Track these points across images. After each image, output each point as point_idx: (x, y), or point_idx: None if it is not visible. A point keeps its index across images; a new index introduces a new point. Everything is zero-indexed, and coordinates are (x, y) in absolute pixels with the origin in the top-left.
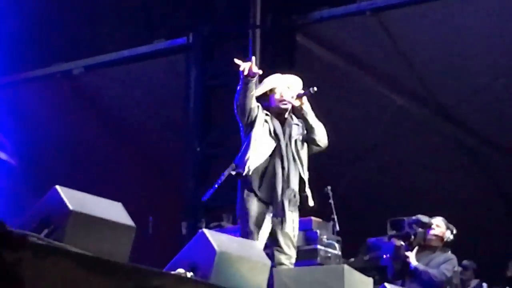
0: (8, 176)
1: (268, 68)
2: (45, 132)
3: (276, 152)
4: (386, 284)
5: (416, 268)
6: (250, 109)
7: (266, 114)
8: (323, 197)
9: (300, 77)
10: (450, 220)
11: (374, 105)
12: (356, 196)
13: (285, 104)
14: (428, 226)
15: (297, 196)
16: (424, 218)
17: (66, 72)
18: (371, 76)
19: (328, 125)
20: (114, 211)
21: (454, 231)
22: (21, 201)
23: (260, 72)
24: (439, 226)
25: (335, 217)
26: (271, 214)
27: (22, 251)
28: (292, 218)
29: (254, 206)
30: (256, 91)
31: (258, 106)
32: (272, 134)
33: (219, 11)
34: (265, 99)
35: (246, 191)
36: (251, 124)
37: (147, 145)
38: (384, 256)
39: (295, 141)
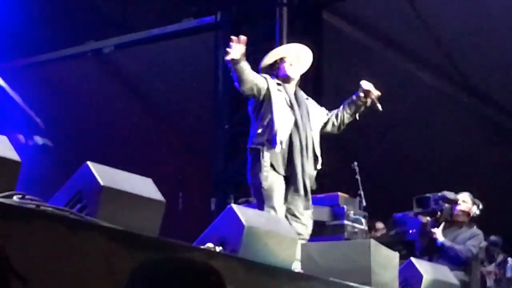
0: (43, 157)
1: None
2: (76, 109)
3: (294, 124)
4: (412, 258)
5: (442, 244)
6: (257, 87)
7: (278, 84)
8: (350, 172)
9: (327, 55)
10: (476, 195)
11: (401, 81)
12: (382, 171)
13: (294, 72)
14: (454, 202)
15: (319, 167)
16: (450, 194)
17: (96, 51)
18: (397, 52)
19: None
20: (144, 186)
21: (481, 206)
22: (51, 177)
23: (243, 48)
24: (466, 202)
25: (362, 192)
26: (291, 189)
27: (57, 225)
28: (308, 189)
29: (273, 180)
30: (265, 61)
31: (266, 79)
32: (289, 104)
33: None
34: (274, 68)
35: (264, 165)
36: (266, 97)
37: (177, 123)
38: (410, 231)
39: (311, 114)
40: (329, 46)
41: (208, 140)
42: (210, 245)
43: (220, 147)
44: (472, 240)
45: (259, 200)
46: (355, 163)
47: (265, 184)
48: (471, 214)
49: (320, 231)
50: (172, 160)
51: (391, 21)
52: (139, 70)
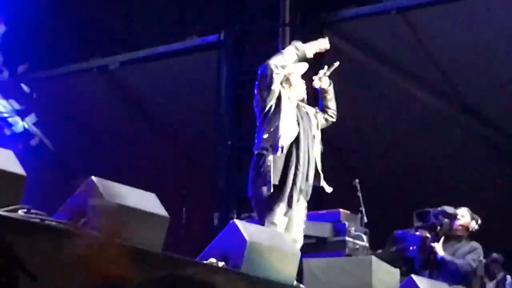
0: (46, 165)
1: None
2: (81, 124)
3: (296, 138)
4: (412, 275)
5: (442, 258)
6: (275, 88)
7: (288, 97)
8: (351, 189)
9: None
10: (475, 212)
11: (401, 102)
12: (383, 189)
13: (303, 91)
14: (453, 217)
15: (310, 185)
16: (449, 209)
17: (102, 67)
18: (397, 73)
19: (355, 121)
20: (148, 201)
21: (479, 221)
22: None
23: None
24: (464, 216)
25: (363, 209)
26: (284, 202)
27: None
28: (302, 207)
29: (270, 191)
30: (288, 57)
31: (279, 87)
32: (296, 119)
33: (250, 10)
34: (285, 81)
35: (268, 169)
36: (276, 104)
37: (180, 138)
38: (411, 247)
39: (313, 131)
40: (329, 65)
41: (211, 155)
42: (213, 260)
43: (223, 163)
44: (471, 254)
45: (260, 211)
46: (356, 180)
47: (269, 192)
48: (470, 229)
49: (321, 247)
50: (175, 176)
51: (390, 41)
52: (144, 87)
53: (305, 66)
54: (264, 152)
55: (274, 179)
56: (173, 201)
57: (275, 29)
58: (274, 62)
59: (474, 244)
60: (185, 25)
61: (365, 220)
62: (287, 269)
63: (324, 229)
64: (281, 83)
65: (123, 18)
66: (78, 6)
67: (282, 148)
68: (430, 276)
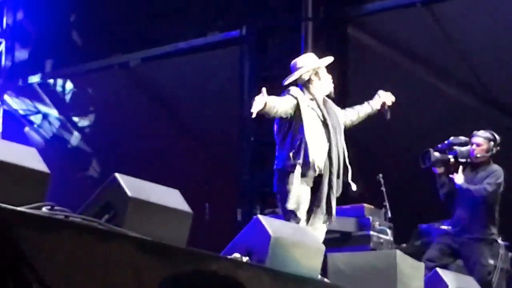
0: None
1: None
2: (103, 121)
3: (328, 142)
4: (437, 269)
5: (460, 187)
6: (289, 111)
7: (310, 99)
8: (375, 184)
9: (352, 69)
10: (501, 207)
11: (426, 96)
12: (407, 183)
13: (331, 85)
14: (468, 144)
15: (341, 181)
16: (456, 139)
17: (123, 64)
18: (422, 66)
19: (380, 115)
20: (171, 197)
21: (498, 140)
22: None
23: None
24: (481, 144)
25: (387, 203)
26: (315, 202)
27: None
28: (333, 205)
29: (301, 194)
30: (302, 75)
31: (292, 96)
32: (321, 119)
33: (272, 4)
34: (306, 81)
35: (294, 186)
36: (295, 117)
37: (203, 134)
38: (436, 241)
39: (340, 125)
40: (353, 60)
41: (234, 151)
42: (237, 255)
43: (246, 158)
44: (488, 178)
45: (285, 213)
46: (380, 175)
47: (293, 206)
48: (490, 153)
49: (346, 241)
50: (198, 171)
51: (415, 35)
52: (165, 83)
53: (329, 59)
54: (292, 170)
55: (310, 183)
56: (196, 197)
57: (297, 24)
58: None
59: (494, 167)
60: (207, 21)
61: (389, 214)
62: (312, 264)
63: (348, 224)
64: (309, 78)
65: (144, 14)
66: (99, 3)
67: (321, 170)
68: (454, 207)
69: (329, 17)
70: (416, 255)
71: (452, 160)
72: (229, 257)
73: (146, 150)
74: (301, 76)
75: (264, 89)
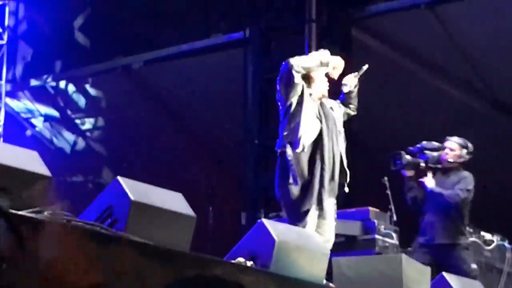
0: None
1: None
2: (105, 123)
3: (319, 136)
4: (444, 273)
5: (431, 191)
6: (298, 82)
7: (310, 94)
8: (380, 187)
9: (356, 71)
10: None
11: (430, 98)
12: None
13: (325, 89)
14: (440, 150)
15: (337, 182)
16: (428, 144)
17: (126, 67)
18: (427, 69)
19: (385, 118)
20: (174, 201)
21: (471, 148)
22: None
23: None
24: (453, 149)
25: (393, 207)
26: (314, 203)
27: (88, 240)
28: (331, 205)
29: (298, 191)
30: (312, 60)
31: (300, 84)
32: (318, 116)
33: (276, 6)
34: (306, 78)
35: (290, 175)
36: (298, 101)
37: (207, 137)
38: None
39: (338, 127)
40: (358, 63)
41: (238, 154)
42: (241, 259)
43: (250, 162)
44: (459, 184)
45: (290, 213)
46: (386, 178)
47: (296, 183)
48: (462, 159)
49: (351, 245)
50: (202, 175)
51: (419, 37)
52: (168, 86)
53: (339, 61)
54: (284, 149)
55: (299, 175)
56: (200, 200)
57: (301, 26)
58: (297, 61)
59: (464, 173)
60: (210, 23)
61: (395, 218)
62: (317, 268)
63: (353, 227)
64: (303, 79)
65: (146, 16)
66: (101, 5)
67: (304, 147)
68: (421, 213)
69: (333, 19)
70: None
71: (422, 164)
72: (233, 261)
73: (149, 153)
74: (307, 59)
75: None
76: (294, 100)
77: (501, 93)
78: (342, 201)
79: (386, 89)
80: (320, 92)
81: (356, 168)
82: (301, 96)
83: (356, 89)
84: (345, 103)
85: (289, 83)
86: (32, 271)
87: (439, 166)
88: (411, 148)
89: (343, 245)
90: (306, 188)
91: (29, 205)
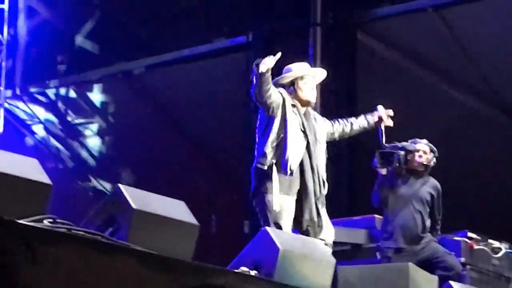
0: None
1: (329, 65)
2: (105, 130)
3: (306, 149)
4: (450, 281)
5: (406, 192)
6: (274, 103)
7: (292, 105)
8: None
9: (361, 75)
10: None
11: (436, 103)
12: None
13: (314, 96)
14: (415, 152)
15: (325, 192)
16: (410, 146)
17: (127, 72)
18: (433, 73)
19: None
20: (177, 209)
21: (437, 154)
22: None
23: (273, 63)
24: (426, 153)
25: None
26: (306, 214)
27: (89, 250)
28: (325, 217)
29: (283, 203)
30: (286, 77)
31: (282, 94)
32: (302, 128)
33: (279, 9)
34: (291, 86)
35: (274, 187)
36: (279, 114)
37: (209, 144)
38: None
39: (318, 138)
40: (363, 67)
41: (240, 161)
42: (244, 268)
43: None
44: (430, 189)
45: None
46: None
47: (276, 208)
48: (431, 164)
49: (356, 254)
50: (204, 183)
51: (426, 41)
52: (170, 91)
53: (323, 73)
54: (268, 168)
55: (293, 194)
56: (202, 208)
57: (305, 29)
58: (254, 90)
59: (432, 179)
60: (212, 27)
61: None
62: (321, 277)
63: (358, 236)
64: (294, 85)
65: (147, 21)
66: (101, 10)
67: (292, 171)
68: (390, 215)
69: (338, 22)
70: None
71: (397, 164)
72: (236, 270)
73: (151, 160)
74: (280, 79)
75: (279, 53)
76: (275, 115)
77: (508, 97)
78: (347, 209)
79: (391, 93)
80: (306, 99)
81: (361, 175)
82: (283, 110)
83: (366, 128)
84: (344, 130)
85: (265, 104)
86: (33, 279)
87: (404, 167)
88: (388, 145)
89: (348, 254)
90: (301, 199)
91: (29, 214)
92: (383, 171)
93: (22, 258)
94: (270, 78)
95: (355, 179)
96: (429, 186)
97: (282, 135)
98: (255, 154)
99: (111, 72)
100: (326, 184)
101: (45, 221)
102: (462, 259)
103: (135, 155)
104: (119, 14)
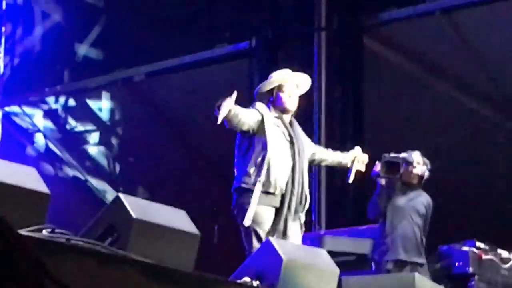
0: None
1: (335, 71)
2: (105, 138)
3: (292, 163)
4: None
5: (404, 205)
6: (252, 126)
7: (276, 117)
8: None
9: (367, 81)
10: None
11: (445, 108)
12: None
13: (293, 104)
14: (411, 164)
15: (308, 201)
16: (409, 157)
17: (127, 79)
18: (441, 78)
19: (398, 130)
20: (178, 219)
21: (429, 166)
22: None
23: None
24: (420, 163)
25: None
26: (287, 225)
27: (89, 260)
28: (296, 230)
29: (263, 215)
30: (264, 86)
31: (258, 111)
32: (287, 138)
33: (283, 14)
34: (271, 95)
35: (254, 198)
36: (259, 131)
37: (211, 153)
38: (457, 264)
39: (305, 148)
40: (369, 73)
41: None
42: (247, 279)
43: None
44: (425, 200)
45: (248, 240)
46: None
47: (248, 220)
48: (425, 176)
49: (361, 264)
50: (206, 192)
51: (434, 45)
52: (171, 99)
53: (307, 80)
54: (252, 187)
55: (275, 202)
56: (204, 218)
57: (310, 34)
58: (231, 118)
59: (427, 196)
60: (214, 32)
61: None
62: None
63: (364, 246)
64: (274, 93)
65: (147, 27)
66: (101, 17)
67: (281, 189)
68: (390, 226)
69: (344, 27)
70: (436, 278)
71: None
72: (238, 281)
73: (152, 168)
74: (261, 88)
75: (235, 92)
76: (255, 133)
77: None
78: (353, 218)
79: (399, 100)
80: (283, 106)
81: (368, 183)
82: (263, 127)
83: (340, 164)
84: (321, 158)
85: (241, 131)
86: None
87: (398, 177)
88: (388, 156)
89: (353, 264)
90: (279, 206)
91: (27, 224)
92: (383, 182)
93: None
94: (235, 113)
95: (360, 188)
96: (423, 200)
97: (265, 153)
98: (235, 173)
99: (111, 79)
100: (308, 198)
101: (44, 231)
102: (470, 269)
103: (135, 164)
104: (119, 21)
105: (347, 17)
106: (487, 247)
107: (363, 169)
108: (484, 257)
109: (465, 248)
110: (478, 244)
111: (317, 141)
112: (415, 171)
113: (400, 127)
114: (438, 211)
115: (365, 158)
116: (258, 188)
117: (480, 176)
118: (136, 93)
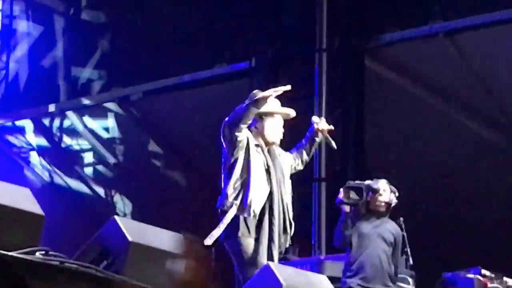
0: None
1: (335, 93)
2: (102, 157)
3: (269, 193)
4: None
5: (371, 232)
6: (240, 140)
7: (256, 145)
8: None
9: (369, 102)
10: None
11: (448, 132)
12: (431, 227)
13: (277, 137)
14: (377, 192)
15: (289, 235)
16: (374, 184)
17: (124, 98)
18: (444, 101)
19: (400, 153)
20: (173, 242)
21: (397, 194)
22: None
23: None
24: (386, 191)
25: (408, 250)
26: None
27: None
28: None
29: (251, 247)
30: (248, 111)
31: (247, 136)
32: (265, 167)
33: (283, 34)
34: (258, 121)
35: (240, 230)
36: (243, 155)
37: (209, 173)
38: None
39: (285, 175)
40: (371, 94)
41: None
42: None
43: None
44: (392, 229)
45: (240, 262)
46: (401, 219)
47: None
48: (392, 204)
49: None
50: (205, 212)
51: (437, 67)
52: (169, 119)
53: (292, 113)
54: (228, 209)
55: (254, 234)
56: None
57: (311, 55)
58: (231, 122)
59: (394, 224)
60: (213, 52)
61: (411, 261)
62: None
63: None
64: (257, 123)
65: (145, 45)
66: (98, 34)
67: (255, 214)
68: (356, 253)
69: (345, 48)
70: None
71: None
72: None
73: (148, 188)
74: (241, 115)
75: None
76: (239, 156)
77: None
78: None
79: (401, 122)
80: (271, 139)
81: None
82: (247, 151)
83: (319, 138)
84: (299, 155)
85: (232, 141)
86: None
87: (368, 206)
88: (355, 182)
89: None
90: (257, 242)
91: (21, 246)
92: (347, 209)
93: None
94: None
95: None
96: (391, 228)
97: (245, 177)
98: (221, 195)
99: (108, 97)
100: (293, 224)
101: (37, 253)
102: None
103: (132, 184)
104: (117, 38)
105: (348, 38)
106: (493, 275)
107: (328, 127)
108: (490, 285)
109: (470, 275)
110: (484, 271)
111: (317, 161)
112: (381, 198)
113: (401, 148)
114: (442, 238)
115: (323, 122)
116: (232, 211)
117: (485, 200)
118: (134, 112)
